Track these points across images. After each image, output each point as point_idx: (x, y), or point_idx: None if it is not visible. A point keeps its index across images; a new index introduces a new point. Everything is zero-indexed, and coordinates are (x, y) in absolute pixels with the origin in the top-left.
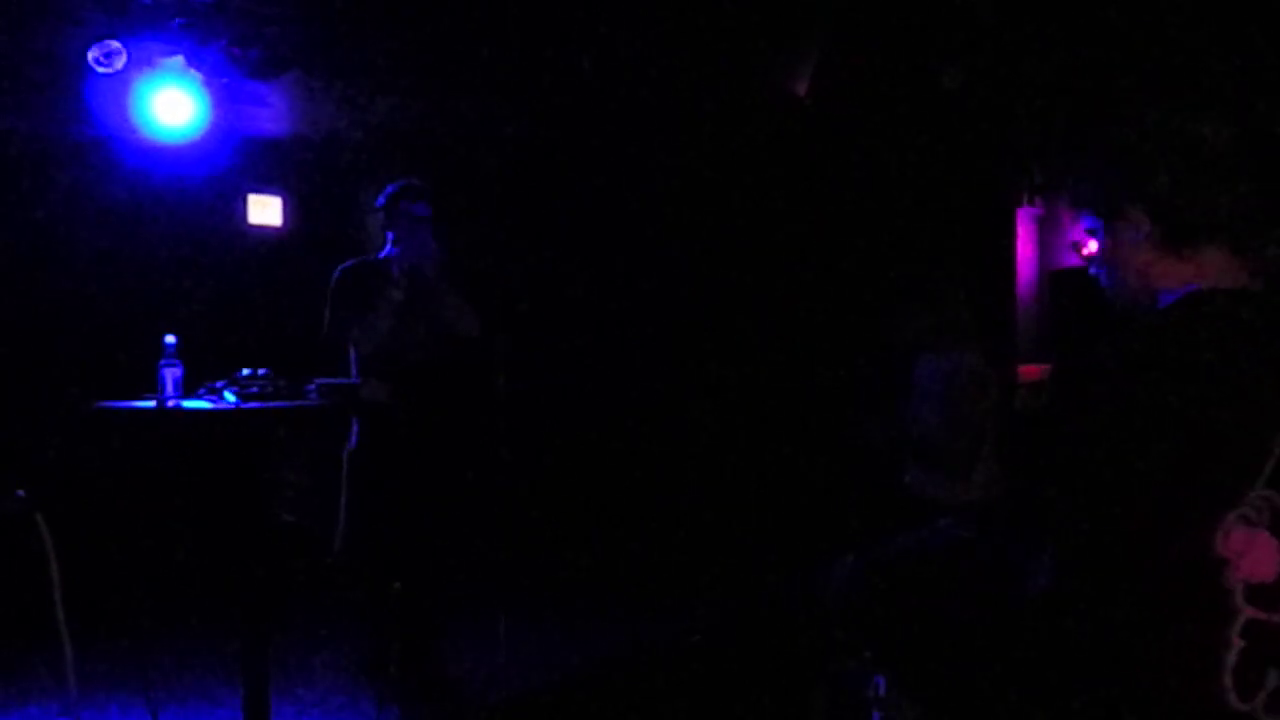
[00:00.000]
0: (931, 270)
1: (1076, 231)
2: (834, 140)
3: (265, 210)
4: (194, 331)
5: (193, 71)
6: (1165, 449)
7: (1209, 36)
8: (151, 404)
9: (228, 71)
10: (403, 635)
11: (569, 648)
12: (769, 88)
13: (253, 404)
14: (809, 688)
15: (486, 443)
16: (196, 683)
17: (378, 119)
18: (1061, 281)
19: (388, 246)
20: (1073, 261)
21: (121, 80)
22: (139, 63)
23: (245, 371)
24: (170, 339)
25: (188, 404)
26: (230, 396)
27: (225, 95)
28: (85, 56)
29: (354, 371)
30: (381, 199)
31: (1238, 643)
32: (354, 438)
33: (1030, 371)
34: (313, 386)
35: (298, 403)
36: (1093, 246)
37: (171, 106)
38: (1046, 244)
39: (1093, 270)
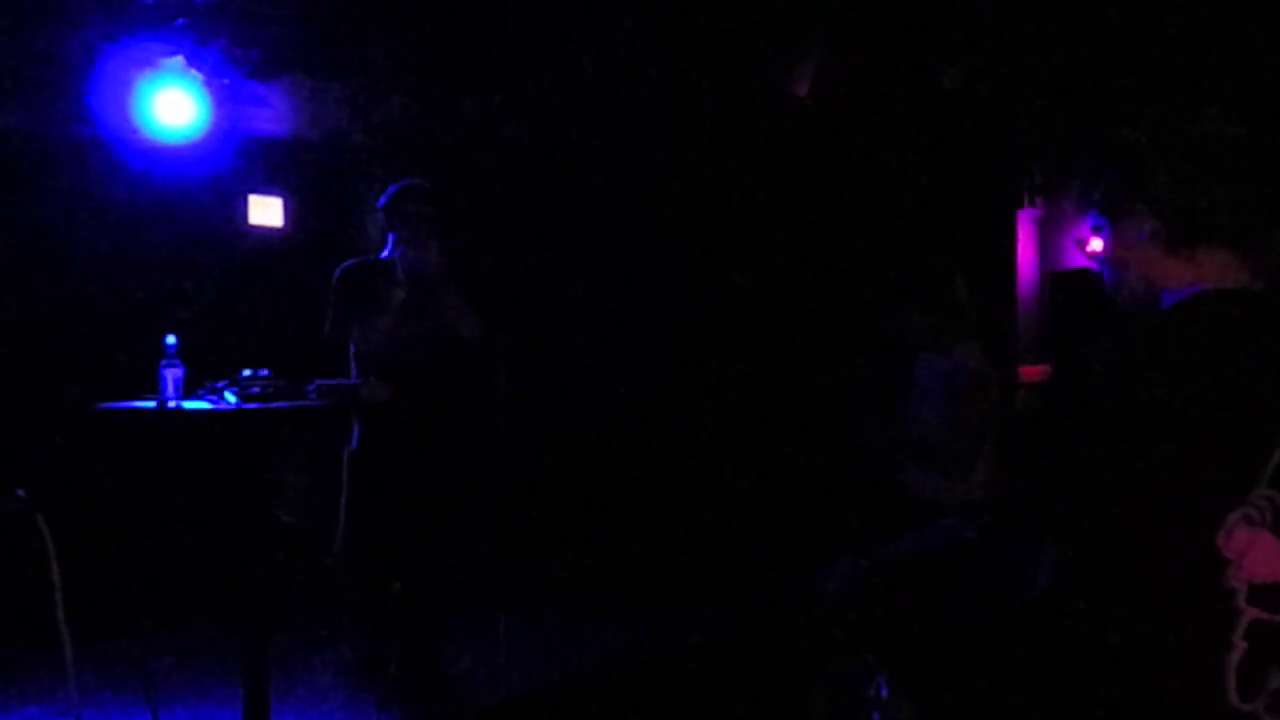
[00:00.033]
0: (932, 270)
1: (1080, 228)
2: (834, 140)
3: (266, 211)
4: (194, 332)
5: (193, 72)
6: (1167, 449)
7: (1209, 36)
8: (152, 404)
9: (228, 72)
10: (403, 635)
11: (569, 648)
12: (769, 88)
13: (253, 404)
14: (809, 688)
15: (486, 443)
16: (196, 683)
17: (378, 119)
18: (1062, 282)
19: (389, 247)
20: (1073, 262)
21: (122, 80)
22: (139, 63)
23: (246, 372)
24: (171, 339)
25: (188, 404)
26: (231, 397)
27: (226, 95)
28: (85, 56)
29: (354, 372)
30: (383, 200)
31: (1240, 643)
32: (354, 438)
33: (1030, 372)
34: (313, 387)
35: (298, 403)
36: (1096, 244)
37: (172, 107)
38: (1047, 245)
39: (1099, 267)
